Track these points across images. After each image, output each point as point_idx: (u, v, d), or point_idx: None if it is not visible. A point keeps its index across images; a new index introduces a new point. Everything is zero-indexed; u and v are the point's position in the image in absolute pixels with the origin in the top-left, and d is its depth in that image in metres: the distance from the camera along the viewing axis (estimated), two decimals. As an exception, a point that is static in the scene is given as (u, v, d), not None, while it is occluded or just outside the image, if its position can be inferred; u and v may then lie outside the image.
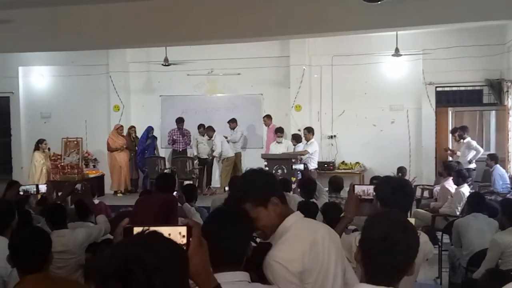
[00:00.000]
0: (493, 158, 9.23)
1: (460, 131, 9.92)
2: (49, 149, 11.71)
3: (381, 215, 1.94)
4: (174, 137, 11.87)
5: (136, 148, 12.00)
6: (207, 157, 11.79)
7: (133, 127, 12.10)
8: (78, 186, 7.07)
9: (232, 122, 11.74)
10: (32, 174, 11.31)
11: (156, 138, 12.14)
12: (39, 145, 11.49)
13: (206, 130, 11.59)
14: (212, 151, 11.60)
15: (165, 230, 1.41)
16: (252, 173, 2.38)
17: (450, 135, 11.11)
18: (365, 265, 1.84)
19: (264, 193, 2.22)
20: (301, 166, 9.61)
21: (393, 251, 1.77)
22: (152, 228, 1.38)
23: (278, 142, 10.67)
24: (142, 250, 1.26)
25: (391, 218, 1.87)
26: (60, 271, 4.33)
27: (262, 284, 2.15)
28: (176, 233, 1.49)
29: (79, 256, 4.52)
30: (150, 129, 12.03)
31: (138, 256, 1.25)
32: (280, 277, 2.10)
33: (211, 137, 11.50)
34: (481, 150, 9.74)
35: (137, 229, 1.48)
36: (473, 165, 9.51)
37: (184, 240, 1.51)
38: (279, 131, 10.77)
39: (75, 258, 4.50)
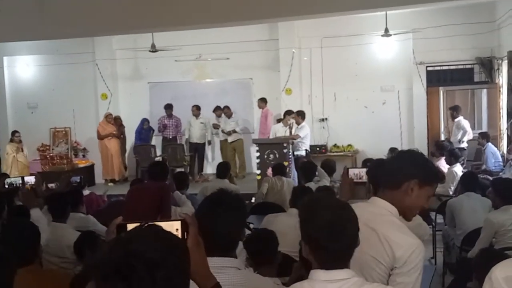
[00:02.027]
0: (484, 137, 9.24)
1: (452, 111, 9.92)
2: (20, 141, 11.58)
3: (318, 203, 1.92)
4: (164, 121, 11.74)
5: (122, 136, 11.92)
6: (198, 141, 11.72)
7: (119, 117, 12.00)
8: (74, 178, 7.06)
9: (228, 110, 11.60)
10: (7, 167, 11.23)
11: (152, 129, 12.04)
12: (11, 137, 11.47)
13: (224, 111, 11.52)
14: (227, 131, 11.52)
15: (160, 226, 1.38)
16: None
17: (442, 115, 11.11)
18: (315, 256, 1.86)
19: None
20: (303, 152, 9.60)
21: (341, 235, 1.80)
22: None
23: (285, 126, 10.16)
24: (143, 245, 1.23)
25: (331, 204, 1.90)
26: (54, 266, 4.28)
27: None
28: (171, 228, 1.45)
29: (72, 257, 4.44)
30: (144, 121, 11.95)
31: (139, 251, 1.21)
32: None
33: (230, 116, 11.48)
34: (468, 130, 9.70)
35: (130, 226, 1.45)
36: (464, 144, 9.51)
37: (179, 235, 1.48)
38: (291, 113, 10.29)
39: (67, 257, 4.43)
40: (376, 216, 2.22)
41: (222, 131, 11.60)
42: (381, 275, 2.17)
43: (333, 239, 1.79)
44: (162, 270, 1.22)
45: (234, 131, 11.45)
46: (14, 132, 11.51)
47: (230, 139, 11.51)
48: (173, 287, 1.25)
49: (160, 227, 1.33)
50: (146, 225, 1.33)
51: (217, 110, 11.70)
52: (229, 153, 11.53)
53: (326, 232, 1.80)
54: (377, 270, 2.16)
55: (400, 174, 2.25)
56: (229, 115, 11.55)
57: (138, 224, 1.38)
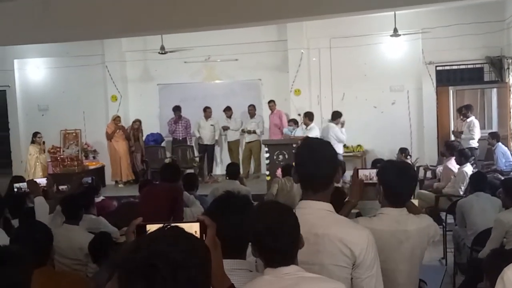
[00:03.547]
0: (494, 137, 9.15)
1: (464, 110, 9.77)
2: (43, 142, 11.68)
3: (259, 210, 2.09)
4: (176, 118, 11.72)
5: (140, 141, 11.96)
6: (208, 143, 11.77)
7: (138, 120, 11.94)
8: (86, 179, 7.10)
9: (253, 108, 11.68)
10: (31, 167, 11.31)
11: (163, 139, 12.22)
12: (33, 138, 11.51)
13: (249, 109, 11.57)
14: (248, 131, 11.56)
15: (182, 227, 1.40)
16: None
17: (452, 115, 11.04)
18: (261, 255, 2.01)
19: None
20: None
21: (279, 236, 1.93)
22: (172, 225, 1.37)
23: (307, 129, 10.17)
24: (166, 245, 1.25)
25: (267, 208, 2.07)
26: (66, 267, 4.32)
27: None
28: (191, 230, 1.47)
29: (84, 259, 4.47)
30: (158, 138, 12.05)
31: (163, 251, 1.23)
32: None
33: (253, 116, 11.55)
34: (476, 137, 9.48)
35: (150, 226, 1.47)
36: (475, 144, 9.42)
37: (198, 236, 1.50)
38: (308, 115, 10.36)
39: (79, 260, 4.46)
40: (319, 220, 2.28)
41: (243, 130, 11.63)
42: (347, 278, 2.24)
43: (273, 239, 1.93)
44: (185, 271, 1.23)
45: (254, 132, 11.49)
46: (36, 134, 11.57)
47: (248, 138, 11.57)
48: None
49: (182, 228, 1.35)
50: (168, 225, 1.35)
51: (228, 110, 11.73)
52: (246, 153, 11.58)
53: (265, 234, 1.94)
54: (343, 275, 2.22)
55: (328, 173, 2.35)
56: (252, 114, 11.60)
57: (157, 224, 1.40)
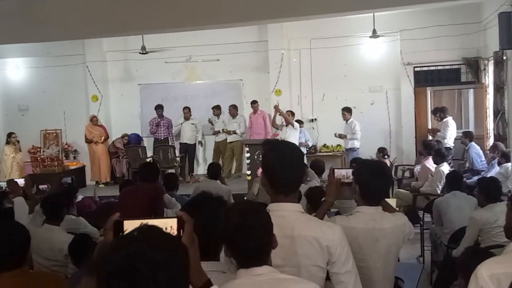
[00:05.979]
0: (467, 136, 9.17)
1: (440, 113, 9.91)
2: (18, 141, 11.58)
3: (232, 208, 2.07)
4: (157, 120, 11.71)
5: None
6: (189, 142, 11.77)
7: (127, 135, 11.98)
8: (65, 179, 7.06)
9: (234, 109, 11.72)
10: (7, 168, 11.22)
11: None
12: (8, 139, 11.44)
13: (230, 109, 11.61)
14: (229, 131, 11.57)
15: (156, 224, 1.39)
16: None
17: (429, 115, 11.19)
18: (233, 256, 1.99)
19: None
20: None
21: (251, 235, 1.91)
22: (149, 222, 1.37)
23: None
24: (146, 246, 1.25)
25: (240, 208, 2.04)
26: (44, 269, 4.29)
27: None
28: (166, 226, 1.48)
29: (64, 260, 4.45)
30: (137, 137, 12.03)
31: (142, 252, 1.24)
32: None
33: (234, 116, 11.58)
34: (448, 136, 9.59)
35: (127, 223, 1.48)
36: (450, 144, 9.55)
37: (174, 232, 1.51)
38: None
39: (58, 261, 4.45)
40: (293, 222, 2.33)
41: (223, 130, 11.64)
42: (322, 277, 2.31)
43: (245, 238, 1.91)
44: (165, 271, 1.23)
45: (234, 132, 11.53)
46: (10, 134, 11.50)
47: (229, 139, 11.59)
48: (176, 287, 1.28)
49: (160, 228, 1.35)
50: (146, 225, 1.35)
51: (216, 109, 11.73)
52: (227, 153, 11.61)
53: (237, 232, 1.93)
54: (319, 275, 2.30)
55: (300, 177, 2.46)
56: (233, 115, 11.62)
57: (135, 220, 1.41)
